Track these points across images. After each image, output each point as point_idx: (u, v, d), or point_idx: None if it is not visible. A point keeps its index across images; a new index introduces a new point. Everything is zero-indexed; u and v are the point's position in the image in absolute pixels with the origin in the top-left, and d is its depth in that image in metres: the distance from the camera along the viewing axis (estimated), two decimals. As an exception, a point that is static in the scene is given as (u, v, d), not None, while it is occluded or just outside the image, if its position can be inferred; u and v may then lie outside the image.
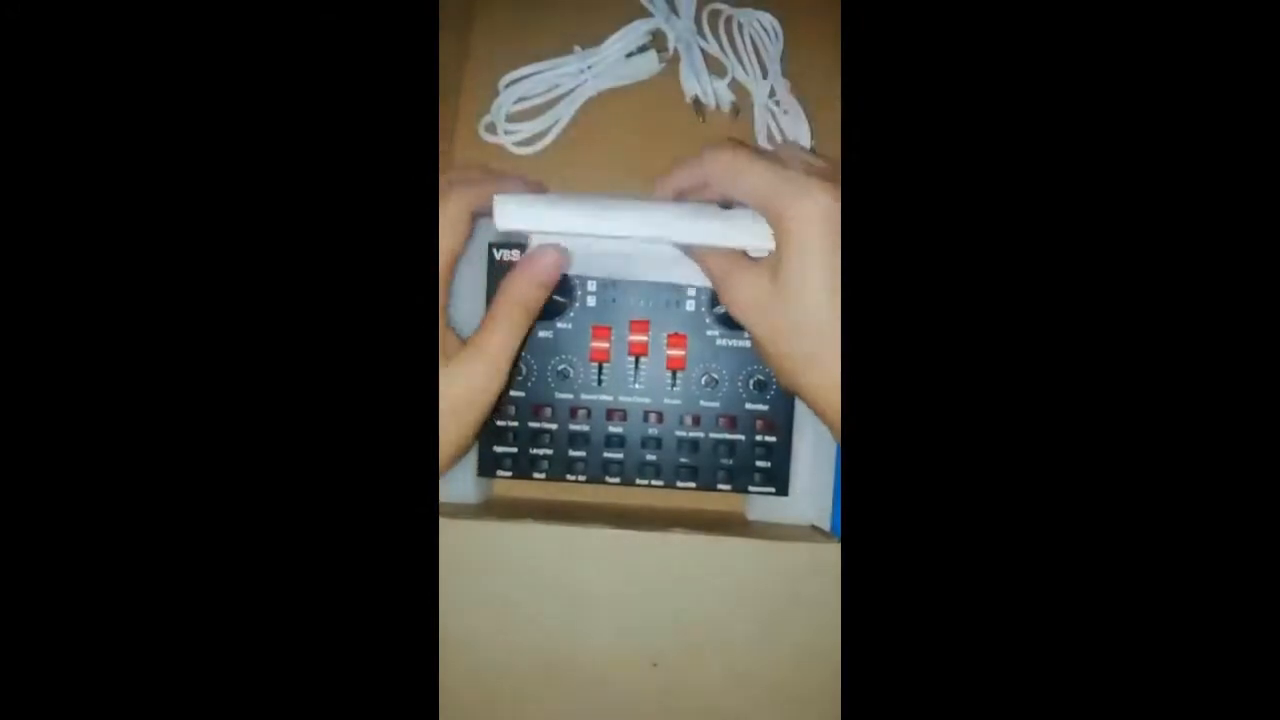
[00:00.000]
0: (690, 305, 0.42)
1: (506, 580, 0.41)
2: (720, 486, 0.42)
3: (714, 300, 0.42)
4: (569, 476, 0.42)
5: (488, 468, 0.42)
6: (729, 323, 0.41)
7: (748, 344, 0.42)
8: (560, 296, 0.42)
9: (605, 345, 0.42)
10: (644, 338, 0.42)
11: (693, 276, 0.39)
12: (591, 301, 0.43)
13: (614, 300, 0.42)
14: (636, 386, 0.42)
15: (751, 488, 0.42)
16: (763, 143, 0.45)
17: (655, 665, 0.42)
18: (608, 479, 0.42)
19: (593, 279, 0.42)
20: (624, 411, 0.42)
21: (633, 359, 0.42)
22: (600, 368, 0.42)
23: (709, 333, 0.42)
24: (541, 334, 0.42)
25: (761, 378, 0.42)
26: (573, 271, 0.41)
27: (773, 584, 0.41)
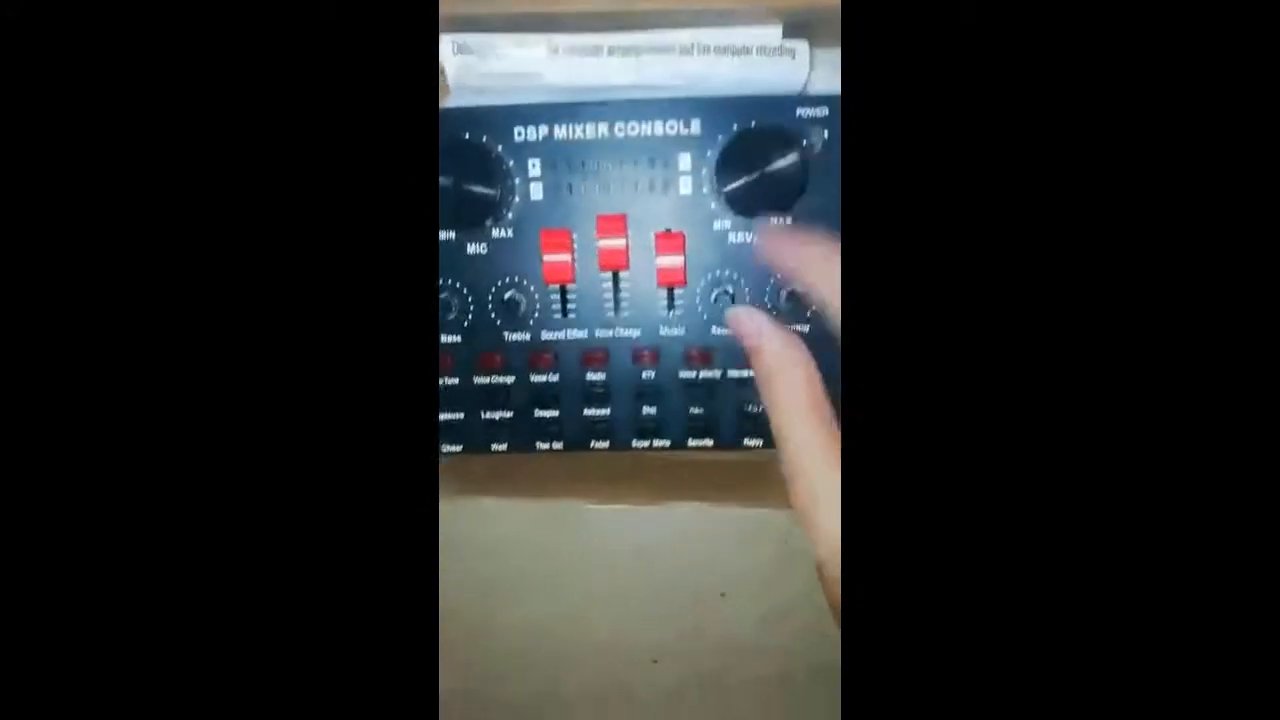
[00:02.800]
0: (685, 184, 0.28)
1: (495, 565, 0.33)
2: (748, 442, 0.30)
3: (721, 168, 0.27)
4: (540, 444, 0.30)
5: (427, 441, 0.31)
6: (748, 206, 0.27)
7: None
8: (482, 186, 0.27)
9: (565, 258, 0.28)
10: (620, 241, 0.28)
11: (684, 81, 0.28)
12: (535, 191, 0.28)
13: (570, 186, 0.28)
14: (622, 315, 0.29)
15: (794, 440, 0.29)
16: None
17: (655, 662, 0.34)
18: (594, 444, 0.30)
19: (535, 159, 0.28)
20: (605, 351, 0.29)
21: (609, 275, 0.29)
22: (563, 291, 0.29)
23: (717, 225, 0.28)
24: (470, 249, 0.29)
25: (798, 287, 0.28)
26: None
27: (777, 557, 0.31)
